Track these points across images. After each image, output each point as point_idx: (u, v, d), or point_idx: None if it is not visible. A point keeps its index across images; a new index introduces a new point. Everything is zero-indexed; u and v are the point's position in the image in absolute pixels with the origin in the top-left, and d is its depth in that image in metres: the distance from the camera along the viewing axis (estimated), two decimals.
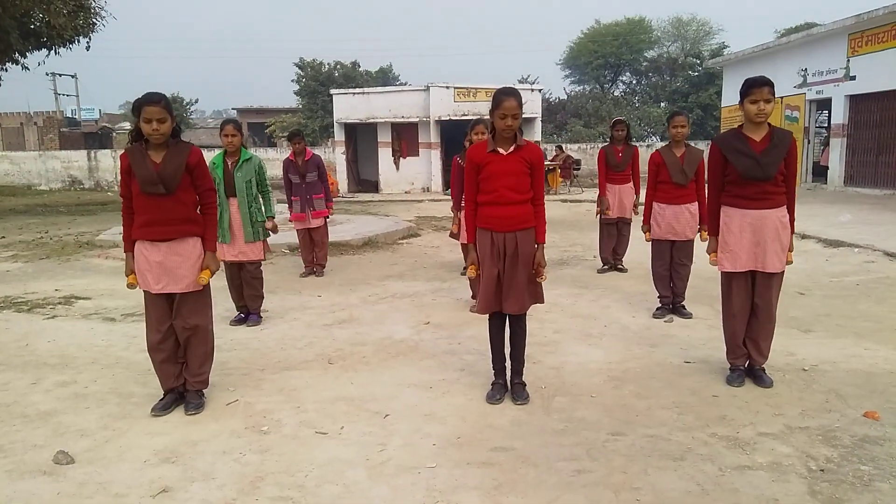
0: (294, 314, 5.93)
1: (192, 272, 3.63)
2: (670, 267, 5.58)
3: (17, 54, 15.60)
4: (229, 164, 5.45)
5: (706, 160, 5.33)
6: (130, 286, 3.65)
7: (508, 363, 3.88)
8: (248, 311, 5.68)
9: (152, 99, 3.43)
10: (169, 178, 3.49)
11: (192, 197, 3.66)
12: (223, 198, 5.39)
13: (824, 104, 18.56)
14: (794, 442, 3.21)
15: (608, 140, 7.55)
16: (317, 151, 27.41)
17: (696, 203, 5.50)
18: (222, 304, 5.92)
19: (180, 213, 3.58)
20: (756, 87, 3.66)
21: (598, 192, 7.44)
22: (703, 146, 26.74)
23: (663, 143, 5.84)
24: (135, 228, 3.60)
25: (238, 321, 5.58)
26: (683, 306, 5.59)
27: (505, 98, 3.46)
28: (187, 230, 3.63)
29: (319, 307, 6.19)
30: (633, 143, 7.50)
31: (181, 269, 3.60)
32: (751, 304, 3.97)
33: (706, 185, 4.24)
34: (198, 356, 3.77)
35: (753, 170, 3.72)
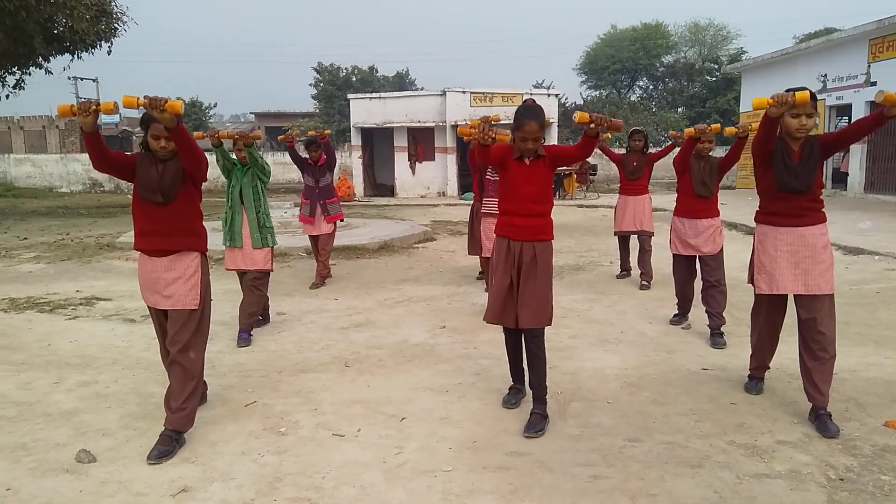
0: (311, 317, 5.97)
1: (185, 289, 3.35)
2: (690, 280, 5.43)
3: (40, 58, 15.85)
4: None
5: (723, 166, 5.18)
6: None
7: (528, 390, 3.72)
8: (261, 316, 5.61)
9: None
10: (168, 186, 3.29)
11: (192, 205, 3.44)
12: (237, 201, 5.24)
13: (844, 110, 18.38)
14: (813, 450, 3.18)
15: (625, 149, 7.38)
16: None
17: (718, 216, 5.28)
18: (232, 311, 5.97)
19: (178, 224, 3.36)
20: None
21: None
22: (721, 152, 26.61)
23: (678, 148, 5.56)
24: (135, 237, 3.43)
25: (256, 324, 5.57)
26: (721, 333, 4.99)
27: (526, 122, 3.37)
28: (185, 243, 3.39)
29: (336, 310, 6.23)
30: (650, 151, 7.36)
31: (173, 286, 3.35)
32: (780, 327, 3.81)
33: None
34: (178, 387, 3.33)
35: (790, 181, 3.46)
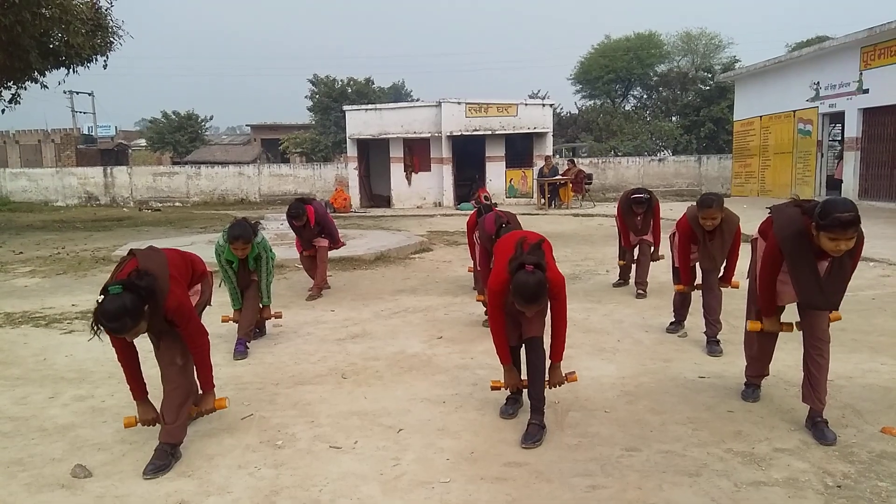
0: (307, 329, 5.96)
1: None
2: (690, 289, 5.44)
3: (36, 73, 15.85)
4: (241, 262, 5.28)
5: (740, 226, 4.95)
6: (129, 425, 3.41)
7: (525, 400, 3.74)
8: (258, 328, 5.62)
9: (112, 327, 2.99)
10: (159, 333, 3.37)
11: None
12: (237, 286, 5.32)
13: (837, 117, 18.49)
14: (810, 458, 3.19)
15: (628, 209, 7.05)
16: (329, 167, 27.61)
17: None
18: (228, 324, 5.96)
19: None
20: (841, 230, 3.04)
21: (620, 242, 7.39)
22: (716, 160, 26.70)
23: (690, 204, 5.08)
24: None
25: (253, 336, 5.56)
26: (717, 341, 4.97)
27: (528, 306, 3.27)
28: None
29: (332, 322, 6.22)
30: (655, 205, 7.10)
31: None
32: (776, 338, 3.82)
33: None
34: (171, 399, 3.36)
35: (816, 298, 3.32)
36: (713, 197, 4.93)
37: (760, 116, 21.00)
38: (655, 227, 7.12)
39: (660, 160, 27.73)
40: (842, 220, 3.03)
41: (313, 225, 7.27)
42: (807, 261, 3.29)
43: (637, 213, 7.01)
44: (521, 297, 3.24)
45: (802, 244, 3.26)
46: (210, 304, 3.92)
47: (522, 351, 3.72)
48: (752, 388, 3.99)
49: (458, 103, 21.61)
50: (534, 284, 3.20)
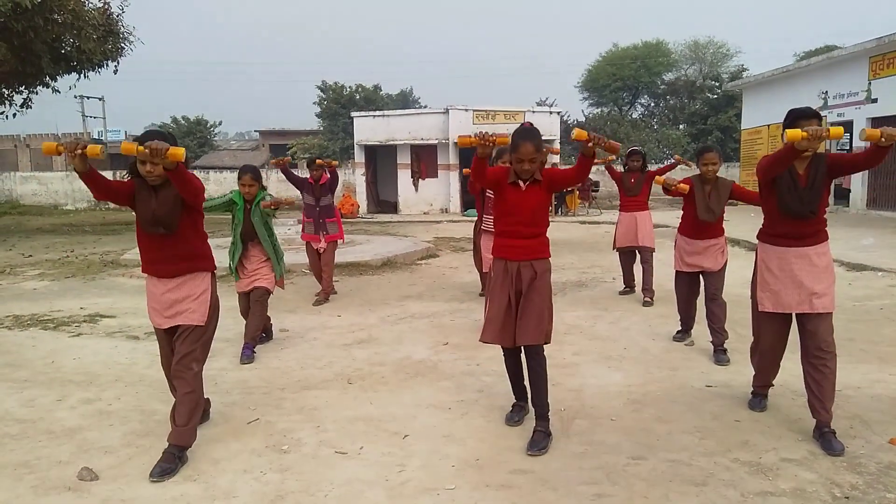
0: (314, 333, 5.98)
1: (193, 306, 3.42)
2: (693, 296, 5.41)
3: (47, 78, 16.01)
4: (248, 207, 5.25)
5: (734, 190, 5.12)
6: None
7: (531, 407, 3.70)
8: (264, 333, 5.63)
9: (150, 134, 3.19)
10: (167, 218, 3.30)
11: (195, 230, 3.47)
12: (238, 239, 5.25)
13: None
14: (817, 468, 3.16)
15: (624, 168, 7.42)
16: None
17: (723, 235, 5.24)
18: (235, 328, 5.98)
19: (184, 250, 3.40)
20: (804, 120, 3.35)
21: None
22: (723, 169, 26.62)
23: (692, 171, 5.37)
24: (142, 263, 3.48)
25: (259, 340, 5.58)
26: (724, 350, 5.00)
27: (521, 143, 3.38)
28: (193, 266, 3.45)
29: (339, 327, 6.23)
30: (649, 169, 7.40)
31: (182, 304, 3.42)
32: (783, 347, 3.78)
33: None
34: (184, 403, 3.37)
35: (795, 205, 3.47)
36: (710, 145, 5.34)
37: (768, 125, 20.94)
38: (671, 166, 7.34)
39: None
40: (798, 112, 3.43)
41: (324, 182, 7.46)
42: (789, 174, 3.48)
43: (632, 167, 7.20)
44: (517, 136, 3.42)
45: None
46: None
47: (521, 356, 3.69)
48: (759, 397, 3.97)
49: (466, 110, 21.68)
50: (529, 126, 3.52)
